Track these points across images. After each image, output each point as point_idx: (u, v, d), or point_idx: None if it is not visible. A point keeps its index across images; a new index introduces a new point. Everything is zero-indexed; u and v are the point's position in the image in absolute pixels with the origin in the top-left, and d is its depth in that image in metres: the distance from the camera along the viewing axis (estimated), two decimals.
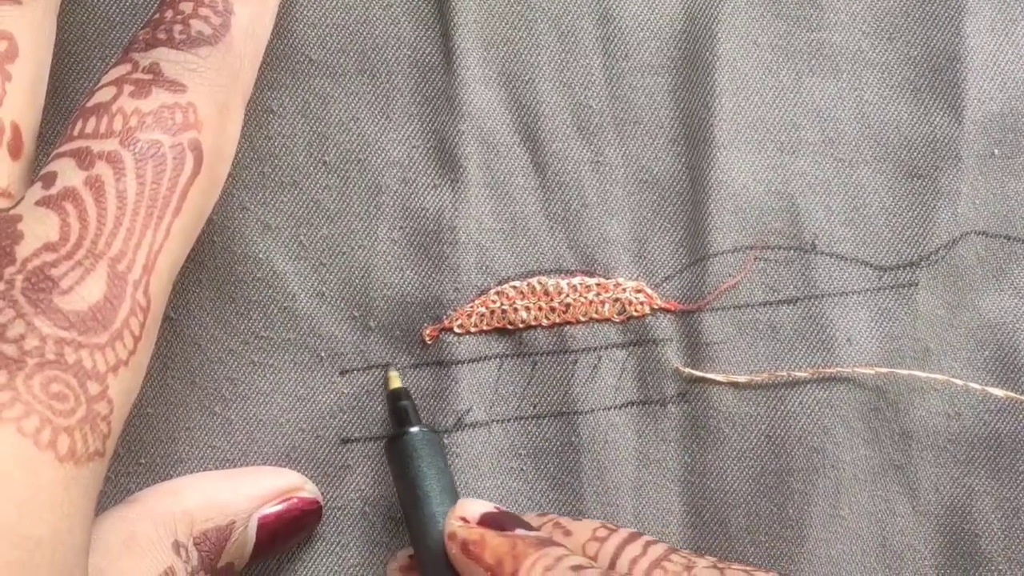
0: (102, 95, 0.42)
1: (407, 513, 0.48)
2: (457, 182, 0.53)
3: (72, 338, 0.38)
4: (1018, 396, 0.53)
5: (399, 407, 0.49)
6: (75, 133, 0.42)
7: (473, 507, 0.46)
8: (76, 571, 0.37)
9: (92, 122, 0.42)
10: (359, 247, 0.52)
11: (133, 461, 0.50)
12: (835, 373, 0.53)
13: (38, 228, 0.39)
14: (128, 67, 0.43)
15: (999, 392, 0.53)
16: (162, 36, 0.44)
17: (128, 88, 0.42)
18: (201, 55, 0.44)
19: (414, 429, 0.48)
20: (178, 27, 0.44)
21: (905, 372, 0.53)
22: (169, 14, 0.45)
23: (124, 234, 0.40)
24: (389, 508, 0.52)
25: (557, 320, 0.53)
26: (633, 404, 0.53)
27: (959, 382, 0.53)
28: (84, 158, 0.41)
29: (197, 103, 0.43)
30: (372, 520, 0.52)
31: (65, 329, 0.38)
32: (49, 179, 0.40)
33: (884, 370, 0.53)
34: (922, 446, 0.54)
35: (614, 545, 0.46)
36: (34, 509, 0.36)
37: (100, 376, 0.39)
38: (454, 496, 0.48)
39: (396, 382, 0.51)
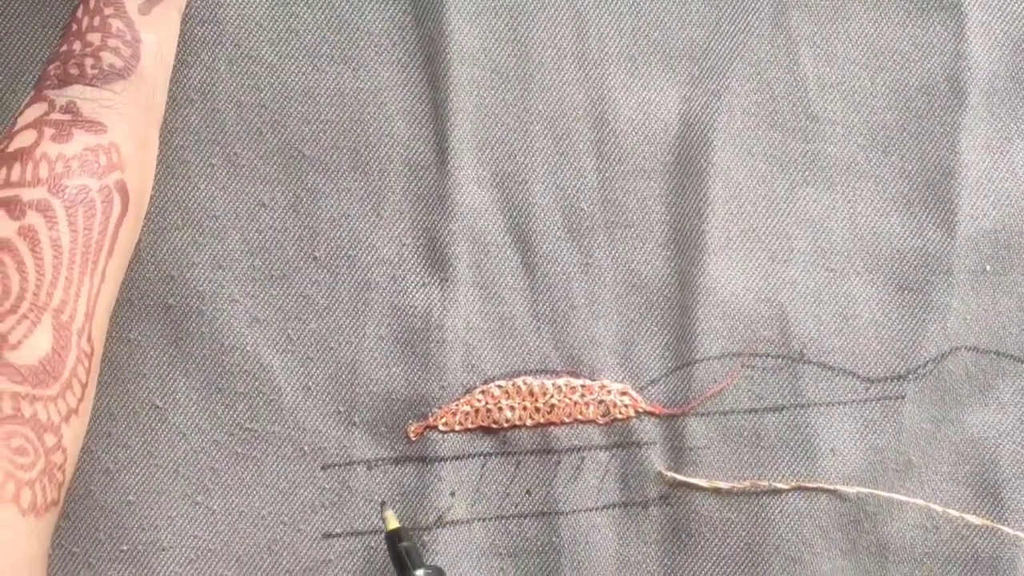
0: (23, 139, 0.43)
1: None
2: (446, 281, 0.53)
3: (27, 392, 0.39)
4: (994, 524, 0.53)
5: (401, 549, 0.48)
6: (1, 181, 0.42)
7: None
8: None
9: (17, 169, 0.42)
10: (346, 343, 0.52)
11: (115, 548, 0.51)
12: (816, 487, 0.54)
13: None
14: (44, 107, 0.44)
15: (976, 520, 0.53)
16: (74, 71, 0.44)
17: (49, 131, 0.43)
18: (116, 90, 0.44)
19: (419, 572, 0.47)
20: (89, 60, 0.45)
21: (885, 494, 0.53)
22: (78, 46, 0.45)
23: (64, 283, 0.41)
24: None
25: (541, 420, 0.53)
26: (615, 506, 0.53)
27: (939, 508, 0.53)
28: (14, 208, 0.41)
29: (119, 142, 0.44)
30: None
31: (19, 383, 0.38)
32: None
33: (865, 490, 0.53)
34: (898, 559, 0.54)
35: None
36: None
37: (55, 427, 0.40)
38: None
39: (394, 522, 0.49)
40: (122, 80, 0.45)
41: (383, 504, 0.50)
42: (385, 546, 0.50)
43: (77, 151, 0.43)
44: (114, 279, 0.44)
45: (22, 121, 0.43)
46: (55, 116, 0.43)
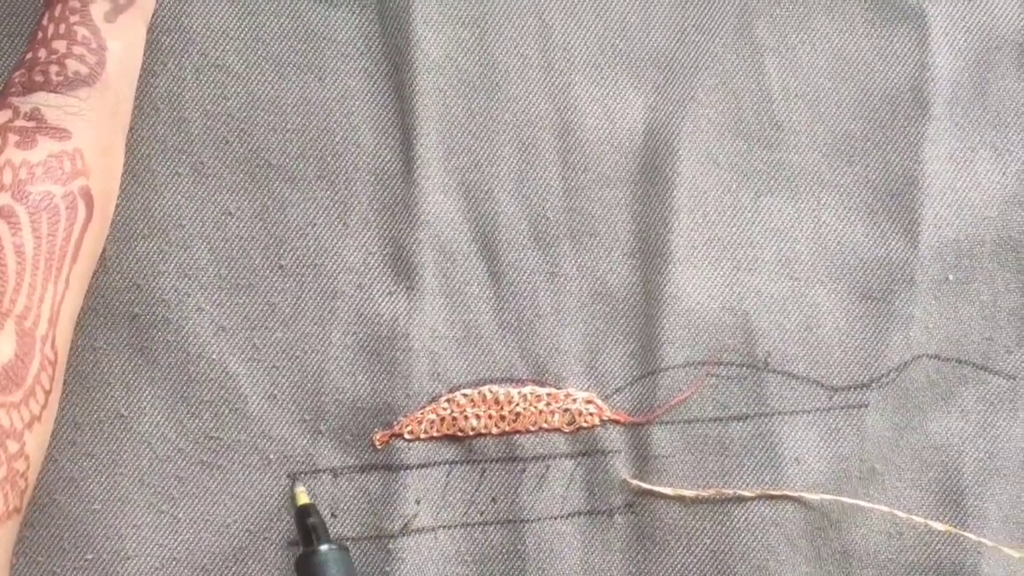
0: None
1: None
2: (412, 289, 0.53)
3: None
4: (957, 531, 0.53)
5: (308, 524, 0.49)
6: None
7: None
8: None
9: None
10: (312, 351, 0.52)
11: (80, 556, 0.51)
12: (781, 495, 0.54)
13: None
14: (9, 113, 0.44)
15: (939, 526, 0.53)
16: (39, 78, 0.45)
17: (13, 138, 0.43)
18: (81, 97, 0.45)
19: (324, 547, 0.48)
20: (54, 68, 0.45)
21: (850, 501, 0.53)
22: (43, 53, 0.45)
23: (27, 290, 0.41)
24: None
25: (507, 429, 0.53)
26: (580, 514, 0.54)
27: (902, 515, 0.54)
28: None
29: (83, 148, 0.44)
30: None
31: None
32: None
33: (829, 497, 0.54)
34: (862, 565, 0.54)
35: None
36: None
37: (17, 434, 0.40)
38: None
39: (303, 498, 0.50)
40: (87, 87, 0.45)
41: (293, 479, 0.51)
42: (349, 549, 0.50)
43: (41, 157, 0.43)
44: (79, 286, 0.44)
45: None
46: (19, 123, 0.43)
